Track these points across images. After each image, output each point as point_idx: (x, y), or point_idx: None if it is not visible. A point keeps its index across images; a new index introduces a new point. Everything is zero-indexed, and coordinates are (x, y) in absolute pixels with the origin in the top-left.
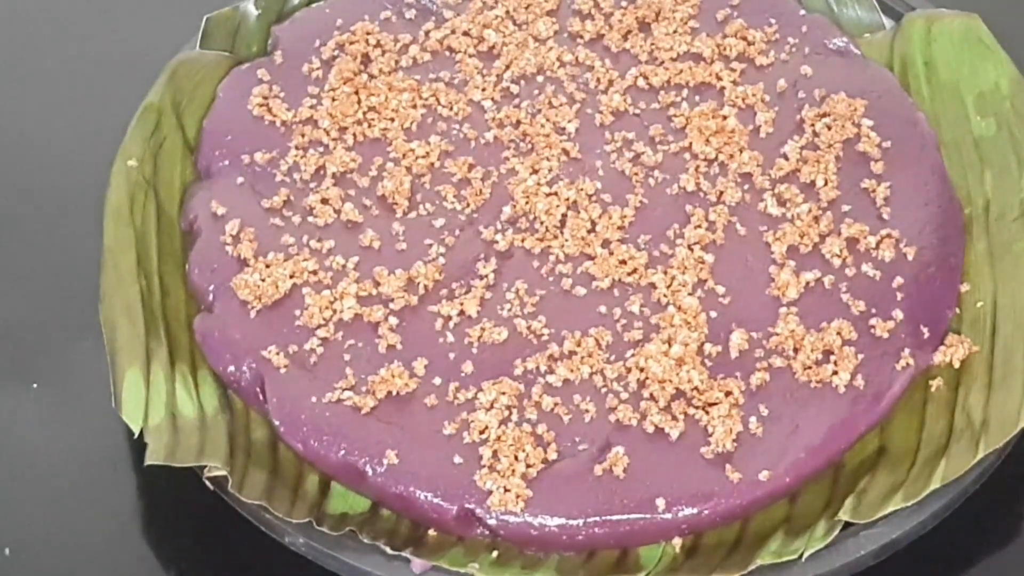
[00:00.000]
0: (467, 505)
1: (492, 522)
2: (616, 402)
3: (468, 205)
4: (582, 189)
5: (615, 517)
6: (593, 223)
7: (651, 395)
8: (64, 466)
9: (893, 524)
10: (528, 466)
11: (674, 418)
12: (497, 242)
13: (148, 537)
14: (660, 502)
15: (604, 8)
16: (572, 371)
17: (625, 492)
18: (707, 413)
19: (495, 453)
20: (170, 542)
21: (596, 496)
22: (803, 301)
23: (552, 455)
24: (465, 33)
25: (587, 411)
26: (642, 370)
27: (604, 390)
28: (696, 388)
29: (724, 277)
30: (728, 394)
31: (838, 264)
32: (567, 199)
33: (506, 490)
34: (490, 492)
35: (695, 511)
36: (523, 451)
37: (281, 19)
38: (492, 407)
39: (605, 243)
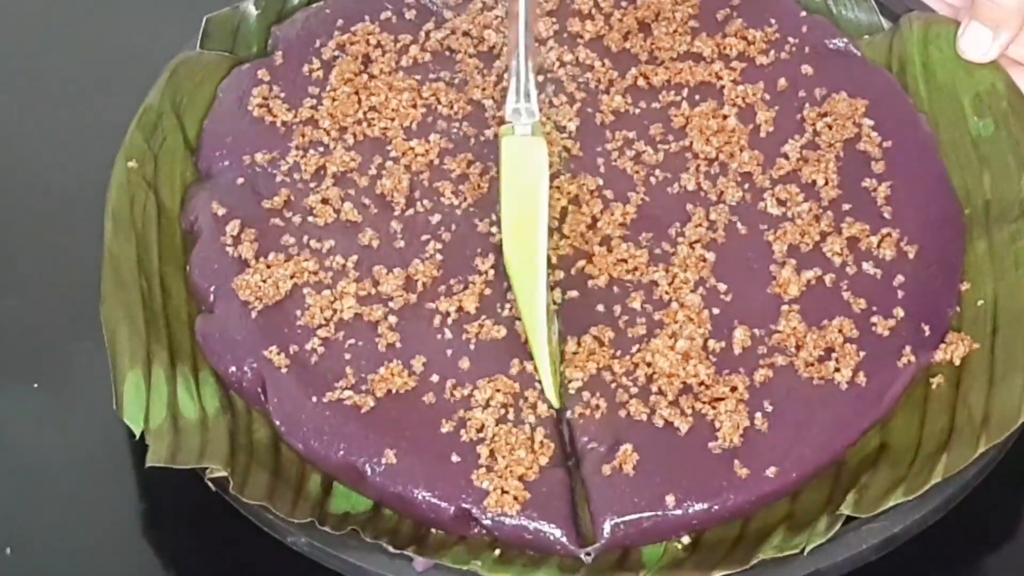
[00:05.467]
0: (464, 505)
1: (487, 522)
2: (626, 397)
3: (465, 199)
4: (583, 184)
5: (625, 518)
6: (595, 219)
7: (659, 389)
8: (64, 466)
9: (894, 519)
10: (527, 468)
11: (682, 413)
12: (493, 235)
13: (149, 537)
14: (670, 499)
15: (604, 8)
16: (579, 369)
17: (635, 491)
18: (714, 408)
19: (492, 453)
20: (171, 542)
21: (604, 498)
22: (805, 299)
23: (553, 455)
24: (465, 34)
25: (597, 407)
26: (649, 365)
27: (614, 385)
28: (703, 383)
29: (726, 275)
30: (733, 390)
31: (839, 262)
32: (568, 192)
33: (503, 491)
34: (487, 492)
35: (705, 507)
36: (522, 452)
37: (281, 19)
38: (488, 405)
39: (605, 240)
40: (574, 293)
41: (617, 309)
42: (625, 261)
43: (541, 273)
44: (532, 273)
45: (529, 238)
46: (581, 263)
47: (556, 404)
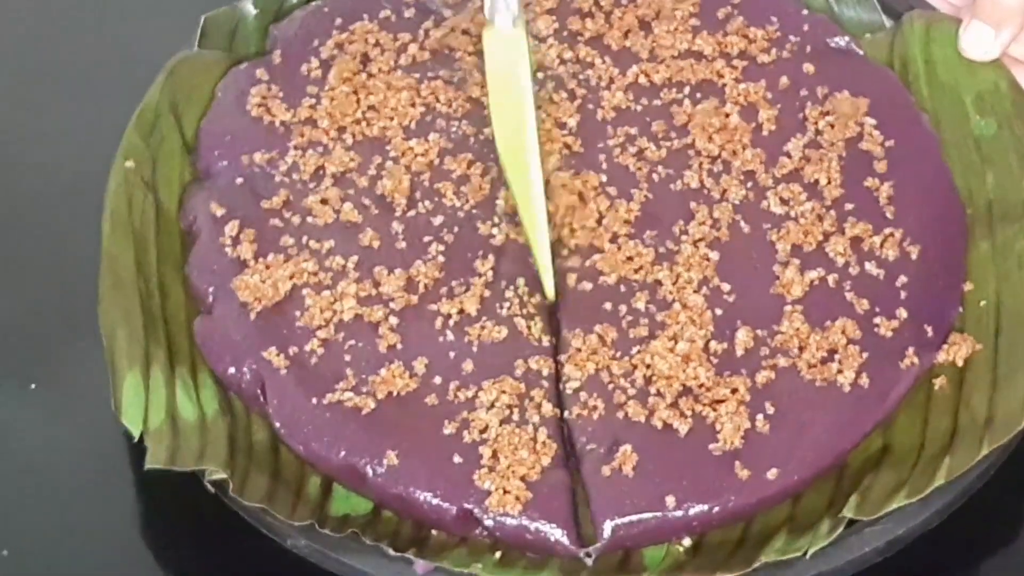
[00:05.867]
0: (466, 505)
1: (489, 523)
2: (624, 398)
3: (467, 201)
4: (587, 181)
5: (625, 519)
6: (600, 217)
7: (658, 391)
8: (64, 467)
9: (897, 521)
10: (529, 468)
11: (682, 415)
12: (494, 236)
13: (147, 538)
14: (670, 500)
15: (604, 6)
16: (578, 368)
17: (635, 492)
18: (714, 410)
19: (495, 453)
20: (170, 544)
21: (604, 499)
22: (807, 299)
23: (555, 455)
24: (464, 32)
25: (595, 408)
26: (648, 367)
27: (611, 387)
28: (703, 385)
29: (729, 275)
30: (734, 391)
31: (842, 263)
32: (572, 189)
33: (505, 491)
34: (489, 492)
35: (705, 508)
36: (524, 452)
37: (279, 18)
38: (493, 406)
39: (613, 238)
40: (588, 285)
41: (623, 308)
42: (632, 259)
43: (534, 165)
44: (525, 166)
45: (519, 131)
46: (595, 257)
47: (551, 296)
